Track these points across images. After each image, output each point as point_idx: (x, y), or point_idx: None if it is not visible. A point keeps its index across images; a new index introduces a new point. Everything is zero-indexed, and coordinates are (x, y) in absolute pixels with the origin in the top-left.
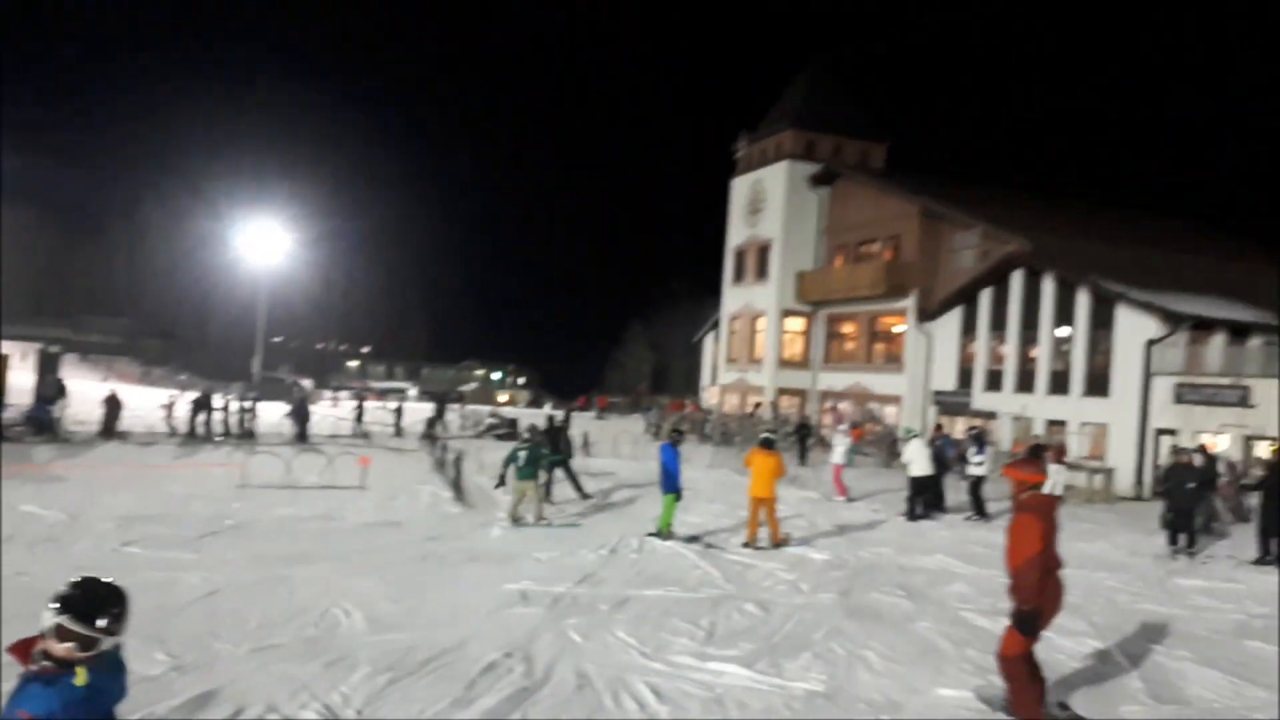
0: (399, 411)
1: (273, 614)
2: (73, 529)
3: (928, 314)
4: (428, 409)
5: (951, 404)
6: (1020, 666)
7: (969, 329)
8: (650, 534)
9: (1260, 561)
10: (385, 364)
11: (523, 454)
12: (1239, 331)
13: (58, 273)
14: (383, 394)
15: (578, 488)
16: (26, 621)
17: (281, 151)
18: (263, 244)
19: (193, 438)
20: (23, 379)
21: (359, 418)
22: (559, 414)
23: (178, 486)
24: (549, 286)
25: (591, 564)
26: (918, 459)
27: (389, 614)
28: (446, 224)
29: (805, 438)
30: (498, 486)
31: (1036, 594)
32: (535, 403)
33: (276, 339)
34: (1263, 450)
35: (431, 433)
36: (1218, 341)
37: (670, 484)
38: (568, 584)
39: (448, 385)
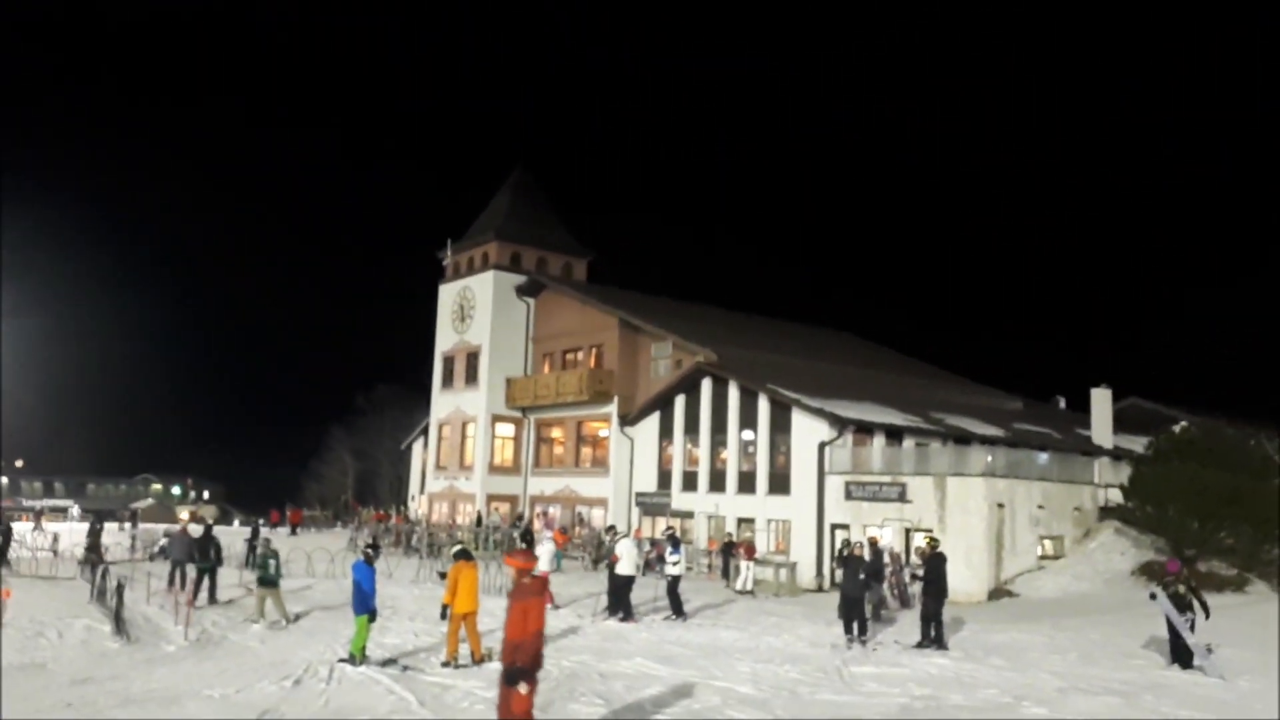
0: (55, 536)
1: None
2: None
3: (629, 419)
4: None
5: (652, 505)
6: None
7: (666, 433)
8: (342, 659)
9: (920, 645)
10: (42, 479)
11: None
12: (894, 434)
13: None
14: (38, 514)
15: (211, 593)
16: None
17: None
18: None
19: None
20: None
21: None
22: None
23: None
24: (237, 394)
25: (272, 698)
26: (626, 557)
27: None
28: (116, 323)
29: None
30: None
31: (534, 656)
32: (224, 519)
33: None
34: (920, 540)
35: (91, 557)
36: (878, 443)
37: (363, 604)
38: None
39: (118, 502)
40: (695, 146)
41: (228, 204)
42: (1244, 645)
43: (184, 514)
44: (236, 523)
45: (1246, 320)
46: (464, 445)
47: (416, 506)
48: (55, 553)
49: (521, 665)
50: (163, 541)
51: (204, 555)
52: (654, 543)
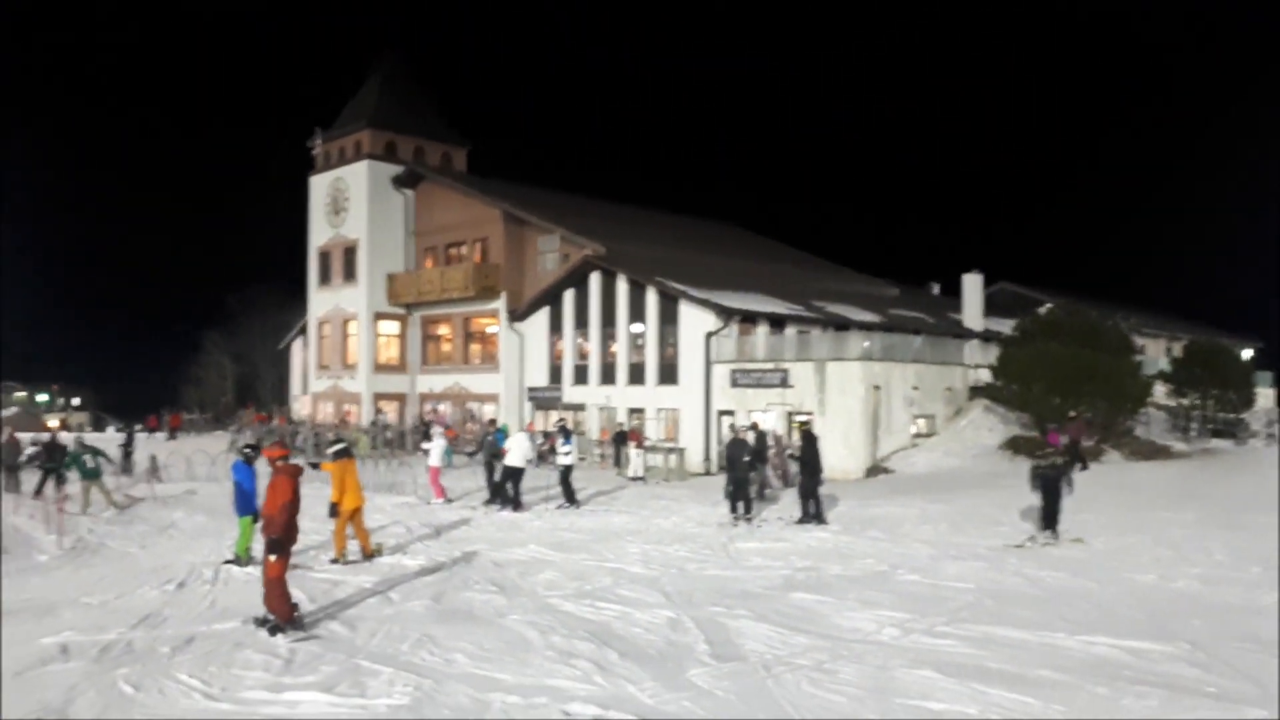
0: None
1: None
2: None
3: (518, 314)
4: None
5: (544, 399)
6: (279, 585)
7: (556, 328)
8: (227, 561)
9: (801, 521)
10: None
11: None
12: (777, 323)
13: None
14: None
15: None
16: None
17: None
18: None
19: None
20: None
21: None
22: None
23: None
24: (108, 297)
25: (154, 602)
26: (516, 449)
27: None
28: None
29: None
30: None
31: (283, 528)
32: (97, 425)
33: None
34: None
35: None
36: (762, 332)
37: (245, 505)
38: (121, 629)
39: None
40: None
41: (85, 104)
42: (1100, 510)
43: (53, 422)
44: (111, 429)
45: (1109, 207)
46: (346, 344)
47: (299, 407)
48: None
49: (273, 536)
50: (30, 450)
51: (50, 459)
52: (546, 435)
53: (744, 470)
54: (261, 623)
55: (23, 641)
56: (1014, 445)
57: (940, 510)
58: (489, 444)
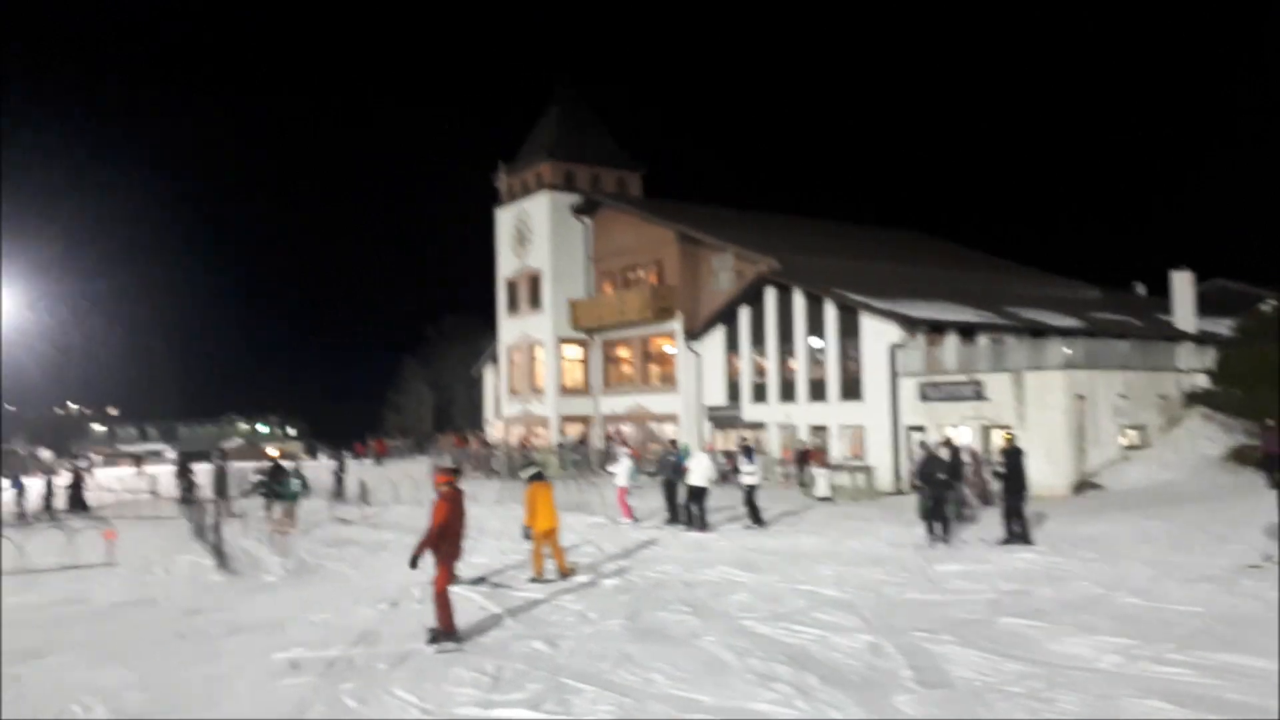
0: (154, 478)
1: None
2: None
3: (694, 334)
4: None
5: (723, 418)
6: (443, 598)
7: (733, 345)
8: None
9: (1006, 541)
10: (136, 425)
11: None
12: (967, 332)
13: None
14: (138, 459)
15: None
16: None
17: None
18: None
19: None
20: None
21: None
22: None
23: None
24: (316, 332)
25: (370, 620)
26: (698, 469)
27: (136, 704)
28: (199, 274)
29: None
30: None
31: (443, 546)
32: (310, 453)
33: (10, 409)
34: (999, 438)
35: (188, 496)
36: (951, 342)
37: None
38: (343, 646)
39: (208, 442)
40: (738, 48)
41: (288, 154)
42: None
43: (272, 450)
44: (323, 457)
45: None
46: (533, 369)
47: (493, 431)
48: (155, 494)
49: (436, 554)
50: (255, 478)
51: (273, 483)
52: (728, 455)
53: (940, 488)
54: (432, 634)
55: (258, 655)
56: (1240, 456)
57: (1159, 527)
58: (670, 464)
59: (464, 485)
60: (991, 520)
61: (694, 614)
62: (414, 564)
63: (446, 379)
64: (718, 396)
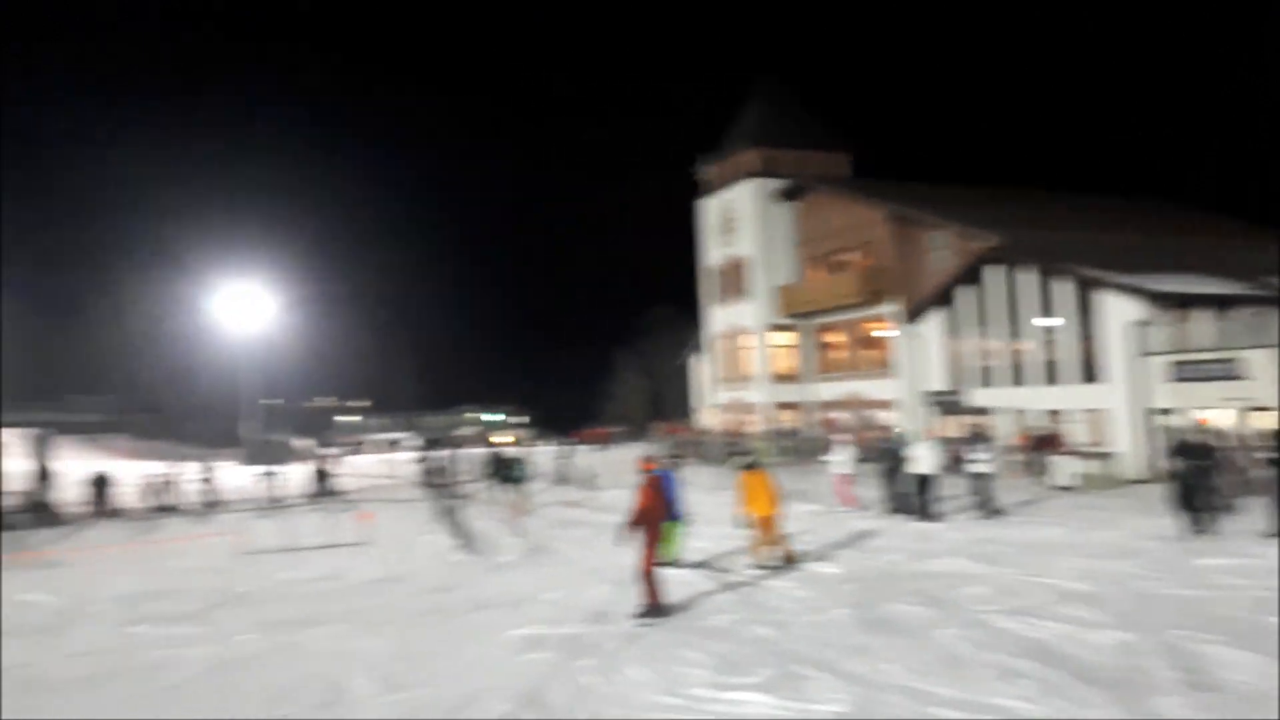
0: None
1: (282, 683)
2: (73, 614)
3: (911, 316)
4: (431, 458)
5: (945, 403)
6: (649, 575)
7: (953, 328)
8: (661, 563)
9: (1276, 534)
10: (380, 416)
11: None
12: (1221, 305)
13: (44, 356)
14: (392, 444)
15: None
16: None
17: (262, 216)
18: (245, 309)
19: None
20: (17, 465)
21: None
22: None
23: (179, 560)
24: (534, 325)
25: (600, 600)
26: (923, 457)
27: (398, 673)
28: (430, 274)
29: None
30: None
31: (646, 526)
32: (537, 440)
33: (274, 401)
34: (1263, 421)
35: (431, 480)
36: (1206, 317)
37: (672, 511)
38: (578, 624)
39: (442, 431)
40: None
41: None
42: None
43: (500, 438)
44: (548, 445)
45: None
46: (742, 357)
47: (703, 419)
48: (397, 479)
49: (639, 533)
50: (485, 464)
51: (504, 470)
52: (953, 442)
53: (1196, 476)
54: (641, 609)
55: (499, 630)
56: None
57: None
58: (890, 451)
59: (680, 472)
60: (1256, 511)
61: (925, 605)
62: (619, 542)
63: (656, 368)
64: (938, 381)
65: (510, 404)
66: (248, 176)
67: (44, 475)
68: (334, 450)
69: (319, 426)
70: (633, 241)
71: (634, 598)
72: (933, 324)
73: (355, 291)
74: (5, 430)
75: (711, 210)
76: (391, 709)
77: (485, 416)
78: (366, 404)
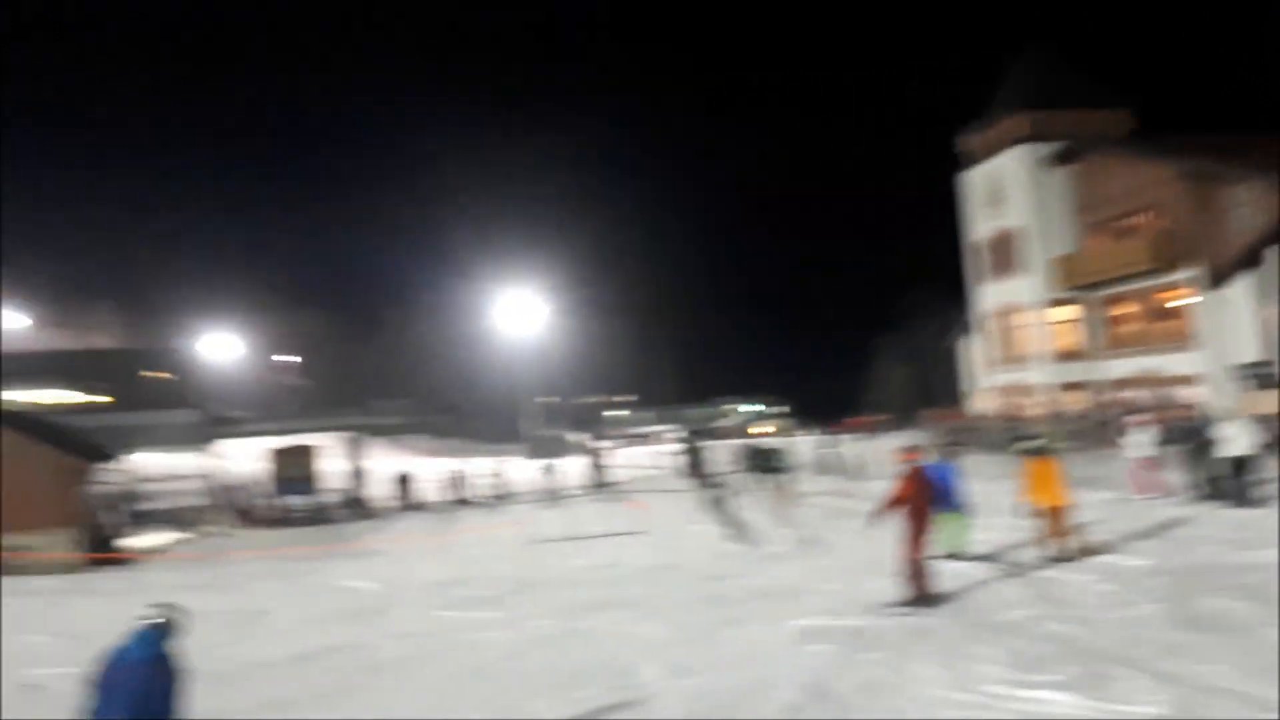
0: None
1: (576, 666)
2: (390, 599)
3: (1213, 281)
4: (693, 449)
5: (1261, 376)
6: (913, 565)
7: (1266, 292)
8: (942, 556)
9: None
10: (645, 410)
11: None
12: None
13: (351, 368)
14: (654, 438)
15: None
16: (350, 695)
17: (535, 228)
18: (521, 314)
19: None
20: (335, 465)
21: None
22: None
23: (476, 549)
24: (791, 314)
25: (880, 592)
26: (1239, 437)
27: (683, 658)
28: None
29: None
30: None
31: (891, 514)
32: (798, 430)
33: (549, 399)
34: None
35: (697, 472)
36: None
37: (950, 502)
38: (858, 616)
39: (704, 423)
40: None
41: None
42: None
43: (759, 429)
44: (804, 435)
45: None
46: (1019, 336)
47: (975, 403)
48: (663, 470)
49: (874, 517)
50: (746, 456)
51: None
52: (1271, 419)
53: None
54: (907, 600)
55: (777, 620)
56: None
57: None
58: (1194, 432)
59: (959, 461)
60: None
61: (1251, 600)
62: (871, 525)
63: (921, 352)
64: (1250, 352)
65: (769, 395)
66: (531, 190)
67: (357, 474)
68: (606, 443)
69: (590, 421)
70: (891, 221)
71: (907, 590)
72: (1240, 289)
73: (620, 294)
74: (323, 435)
75: (976, 182)
76: (680, 694)
77: (744, 408)
78: (633, 399)
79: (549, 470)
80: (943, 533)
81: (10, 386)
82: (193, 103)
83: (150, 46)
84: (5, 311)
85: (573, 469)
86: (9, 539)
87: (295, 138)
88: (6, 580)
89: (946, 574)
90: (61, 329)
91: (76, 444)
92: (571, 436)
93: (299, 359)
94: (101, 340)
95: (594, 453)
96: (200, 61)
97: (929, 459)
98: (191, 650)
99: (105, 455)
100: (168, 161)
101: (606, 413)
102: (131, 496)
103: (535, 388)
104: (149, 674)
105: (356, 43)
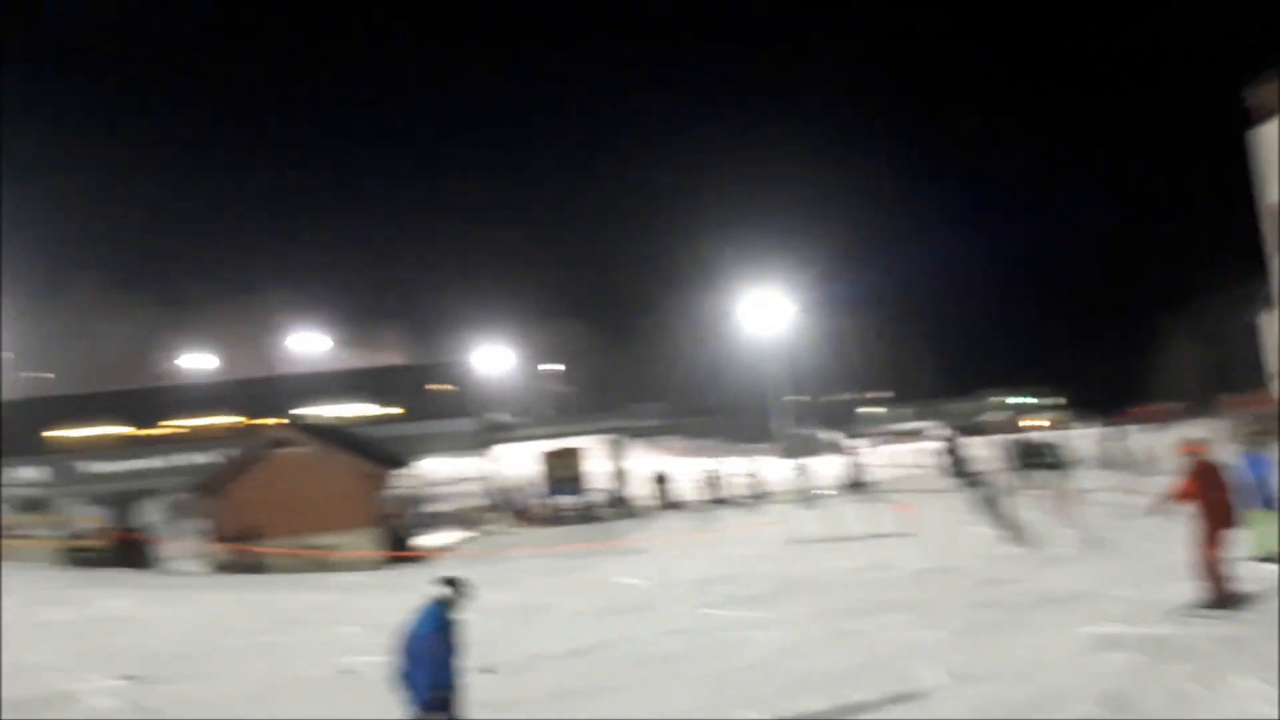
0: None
1: (847, 669)
2: (658, 596)
3: None
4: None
5: None
6: (1208, 566)
7: None
8: (1250, 558)
9: None
10: (902, 406)
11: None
12: None
13: (610, 373)
14: (914, 435)
15: None
16: (624, 689)
17: (779, 226)
18: (768, 313)
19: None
20: (598, 467)
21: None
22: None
23: (737, 548)
24: (1063, 297)
25: (1186, 599)
26: None
27: (967, 665)
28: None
29: None
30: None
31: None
32: (1077, 423)
33: (800, 397)
34: None
35: (960, 470)
36: None
37: (1259, 498)
38: (1158, 623)
39: (967, 418)
40: None
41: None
42: None
43: (1031, 422)
44: (1083, 427)
45: None
46: None
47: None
48: (925, 469)
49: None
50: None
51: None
52: None
53: None
54: (1204, 604)
55: (1065, 628)
56: None
57: None
58: None
59: (1269, 452)
60: None
61: None
62: (1150, 514)
63: (1216, 332)
64: None
65: (1040, 385)
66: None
67: (619, 474)
68: (862, 442)
69: (843, 419)
70: (1175, 185)
71: (1206, 595)
72: None
73: (871, 286)
74: (587, 438)
75: (1271, 138)
76: (965, 700)
77: (1012, 400)
78: (888, 395)
79: (802, 470)
80: (1251, 532)
81: (318, 403)
82: (465, 144)
83: (432, 83)
84: (312, 336)
85: (827, 469)
86: (322, 539)
87: (556, 159)
88: (319, 576)
89: (1259, 579)
90: (359, 350)
91: (375, 453)
92: (824, 435)
93: (563, 367)
94: (393, 358)
95: (850, 451)
96: (477, 94)
97: (1224, 451)
98: (484, 642)
99: (399, 462)
100: (447, 199)
101: (861, 410)
102: (422, 499)
103: (785, 387)
104: (438, 642)
105: (605, 51)
